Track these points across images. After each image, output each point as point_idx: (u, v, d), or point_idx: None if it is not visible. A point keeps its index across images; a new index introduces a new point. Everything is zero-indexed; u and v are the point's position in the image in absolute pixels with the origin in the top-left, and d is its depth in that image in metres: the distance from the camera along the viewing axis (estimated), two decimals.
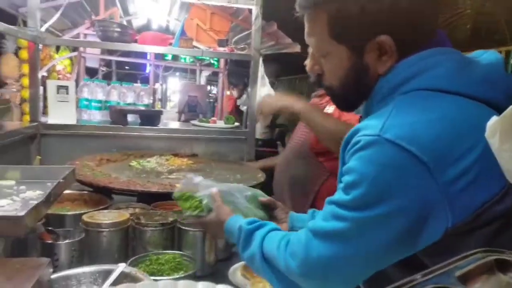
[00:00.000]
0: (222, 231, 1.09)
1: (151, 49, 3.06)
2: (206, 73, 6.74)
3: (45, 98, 2.92)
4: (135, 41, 2.80)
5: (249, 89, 2.95)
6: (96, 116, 3.29)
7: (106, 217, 1.41)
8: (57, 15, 2.66)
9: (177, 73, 8.28)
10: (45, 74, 3.63)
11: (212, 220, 1.14)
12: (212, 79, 7.28)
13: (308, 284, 0.81)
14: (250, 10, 2.92)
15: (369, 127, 0.74)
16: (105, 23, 2.67)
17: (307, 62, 1.38)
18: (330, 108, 1.81)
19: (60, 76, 4.51)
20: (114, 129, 2.81)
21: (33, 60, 2.57)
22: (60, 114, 2.67)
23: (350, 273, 0.76)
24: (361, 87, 0.87)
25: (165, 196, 1.68)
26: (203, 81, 6.52)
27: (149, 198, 1.79)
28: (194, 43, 3.28)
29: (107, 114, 3.22)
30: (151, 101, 3.72)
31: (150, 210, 1.65)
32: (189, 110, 4.04)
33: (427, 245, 0.70)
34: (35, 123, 2.58)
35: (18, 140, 2.34)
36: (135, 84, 3.77)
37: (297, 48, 3.60)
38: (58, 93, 2.61)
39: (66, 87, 2.62)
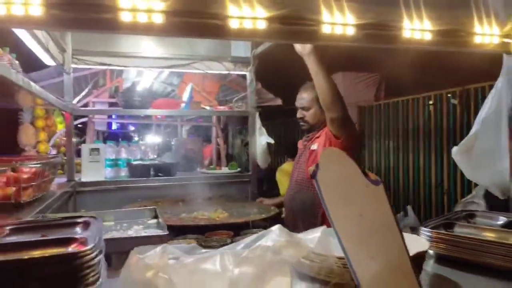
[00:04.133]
0: None
1: (169, 113, 3.59)
2: (186, 127, 7.33)
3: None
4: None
5: (249, 139, 3.53)
6: (109, 173, 3.71)
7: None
8: (85, 91, 3.16)
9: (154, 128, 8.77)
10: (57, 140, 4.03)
11: None
12: (191, 132, 7.87)
13: None
14: (239, 75, 3.57)
15: None
16: (127, 94, 3.19)
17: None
18: (314, 145, 2.30)
19: (58, 139, 4.88)
20: (137, 182, 3.25)
21: (69, 128, 3.03)
22: (92, 172, 3.08)
23: None
24: None
25: (208, 227, 2.12)
26: (184, 134, 7.07)
27: (194, 231, 2.24)
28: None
29: (119, 170, 3.64)
30: (155, 156, 4.19)
31: (207, 238, 2.12)
32: (187, 162, 4.53)
33: None
34: (73, 182, 2.98)
35: (60, 196, 2.73)
36: (140, 142, 4.24)
37: (278, 102, 4.26)
38: (90, 154, 3.05)
39: (97, 149, 3.07)
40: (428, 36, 1.06)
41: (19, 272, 0.60)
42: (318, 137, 2.33)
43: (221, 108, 3.64)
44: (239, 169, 3.70)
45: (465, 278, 0.95)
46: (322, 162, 0.59)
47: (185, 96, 3.37)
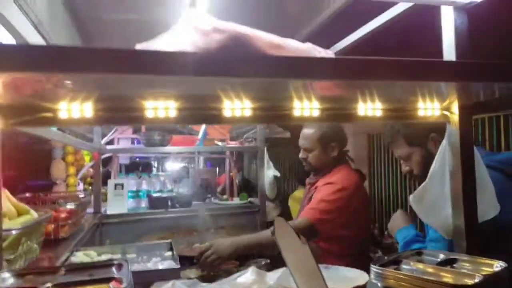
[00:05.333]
0: None
1: (185, 150, 3.96)
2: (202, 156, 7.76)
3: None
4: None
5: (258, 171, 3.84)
6: (131, 204, 4.06)
7: None
8: (111, 133, 3.55)
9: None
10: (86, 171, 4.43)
11: None
12: (208, 160, 8.33)
13: None
14: None
15: None
16: (148, 133, 3.57)
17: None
18: (318, 195, 2.24)
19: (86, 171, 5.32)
20: (156, 213, 3.58)
21: (97, 166, 3.41)
22: (116, 205, 3.44)
23: None
24: None
25: None
26: (201, 162, 7.48)
27: None
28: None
29: (140, 201, 3.99)
30: (173, 185, 4.54)
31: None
32: (202, 190, 4.86)
33: None
34: (99, 214, 3.33)
35: (89, 230, 3.08)
36: (159, 173, 4.60)
37: (287, 135, 4.58)
38: (115, 189, 3.42)
39: (121, 184, 3.44)
40: (379, 113, 1.37)
41: None
42: (318, 186, 2.30)
43: (233, 143, 3.98)
44: (249, 199, 4.01)
45: None
46: (276, 225, 0.90)
47: (200, 133, 3.72)
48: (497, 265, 1.17)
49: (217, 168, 7.56)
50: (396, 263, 1.30)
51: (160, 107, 1.18)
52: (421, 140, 1.73)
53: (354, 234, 2.17)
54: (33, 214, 1.60)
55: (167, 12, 2.33)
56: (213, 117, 1.25)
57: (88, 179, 5.34)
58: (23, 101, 1.07)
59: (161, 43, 0.83)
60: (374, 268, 1.22)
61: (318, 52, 0.93)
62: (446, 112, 1.42)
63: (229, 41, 0.78)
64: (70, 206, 2.17)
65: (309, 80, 0.94)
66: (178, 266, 1.76)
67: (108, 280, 0.97)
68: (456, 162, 1.40)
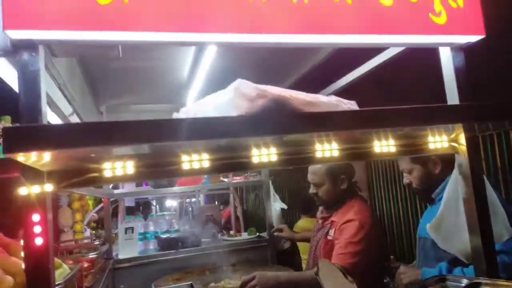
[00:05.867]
0: None
1: (193, 189, 4.01)
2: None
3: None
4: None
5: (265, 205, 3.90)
6: (139, 247, 4.06)
7: None
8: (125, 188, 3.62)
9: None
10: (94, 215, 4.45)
11: None
12: (208, 196, 8.34)
13: None
14: None
15: None
16: None
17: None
18: (330, 233, 2.24)
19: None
20: (166, 254, 3.59)
21: (107, 212, 3.44)
22: (127, 249, 3.45)
23: None
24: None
25: None
26: (201, 198, 7.49)
27: None
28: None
29: (148, 243, 3.99)
30: (180, 226, 4.55)
31: None
32: (209, 228, 4.86)
33: None
34: (111, 259, 3.34)
35: (105, 276, 3.08)
36: (164, 213, 4.62)
37: (289, 167, 4.66)
38: (126, 233, 3.44)
39: (132, 228, 3.46)
40: (393, 149, 1.47)
41: None
42: (336, 222, 2.25)
43: (238, 178, 4.04)
44: (257, 233, 4.04)
45: None
46: (321, 266, 0.97)
47: None
48: None
49: (217, 202, 7.57)
50: None
51: (195, 159, 1.27)
52: (423, 159, 1.94)
53: (374, 261, 2.17)
54: (65, 267, 1.64)
55: (166, 60, 2.51)
56: (242, 165, 1.33)
57: (92, 224, 5.34)
58: (71, 165, 1.15)
59: (206, 107, 0.92)
60: None
61: (344, 104, 1.04)
62: (454, 144, 1.54)
63: (271, 103, 0.88)
64: (92, 255, 2.20)
65: (337, 131, 1.05)
66: None
67: None
68: (468, 190, 1.50)
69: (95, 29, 0.96)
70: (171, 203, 9.00)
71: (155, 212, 7.52)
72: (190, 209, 6.96)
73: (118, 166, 1.22)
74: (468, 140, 1.52)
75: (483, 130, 1.62)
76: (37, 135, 0.79)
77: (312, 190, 2.41)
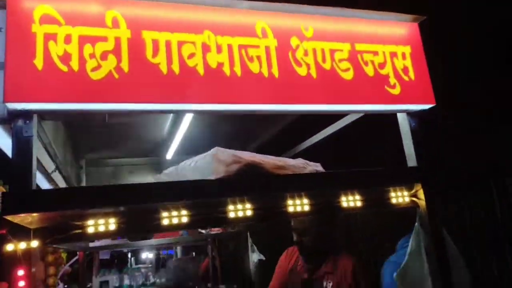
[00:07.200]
0: None
1: (172, 241, 3.99)
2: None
3: None
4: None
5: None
6: None
7: None
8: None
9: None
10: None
11: None
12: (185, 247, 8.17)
13: None
14: None
15: None
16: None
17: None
18: (329, 285, 2.08)
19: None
20: None
21: (82, 266, 3.38)
22: None
23: None
24: None
25: None
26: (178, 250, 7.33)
27: None
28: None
29: None
30: (157, 279, 4.46)
31: None
32: (187, 281, 4.76)
33: None
34: None
35: None
36: (139, 266, 4.54)
37: None
38: (101, 287, 3.36)
39: (107, 281, 3.39)
40: (359, 203, 1.60)
41: None
42: (330, 273, 2.10)
43: (216, 229, 4.06)
44: (235, 286, 4.00)
45: None
46: None
47: None
48: None
49: (194, 253, 7.40)
50: None
51: (174, 215, 1.36)
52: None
53: None
54: None
55: (146, 118, 2.64)
56: (219, 220, 1.42)
57: (65, 277, 5.15)
58: (55, 222, 1.21)
59: (185, 172, 1.03)
60: None
61: (309, 165, 1.17)
62: (414, 199, 1.68)
63: (245, 168, 1.00)
64: None
65: (303, 191, 1.16)
66: None
67: None
68: (429, 240, 1.62)
69: (87, 102, 1.07)
70: (146, 255, 8.75)
71: (130, 265, 7.29)
72: (166, 261, 6.79)
73: (100, 223, 1.29)
74: (426, 195, 1.66)
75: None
76: (31, 200, 0.88)
77: (295, 239, 2.21)
